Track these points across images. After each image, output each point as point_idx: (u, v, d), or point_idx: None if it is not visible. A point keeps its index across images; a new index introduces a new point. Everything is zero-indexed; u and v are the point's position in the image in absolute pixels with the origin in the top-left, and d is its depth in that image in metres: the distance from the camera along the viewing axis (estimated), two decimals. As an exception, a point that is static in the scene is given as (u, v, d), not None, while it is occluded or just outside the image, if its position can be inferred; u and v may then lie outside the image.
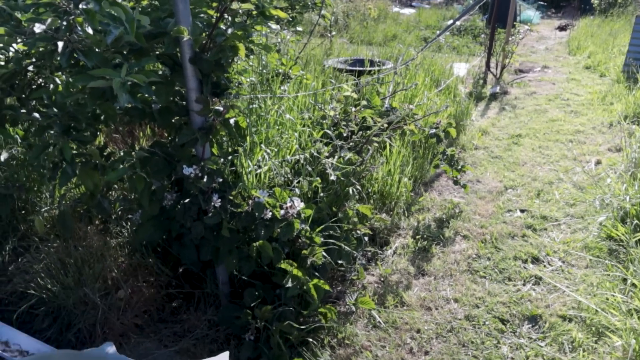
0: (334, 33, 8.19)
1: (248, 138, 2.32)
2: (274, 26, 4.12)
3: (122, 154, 2.46)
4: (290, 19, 3.97)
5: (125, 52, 1.89)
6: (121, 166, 2.32)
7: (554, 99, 6.63)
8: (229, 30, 1.95)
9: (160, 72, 2.21)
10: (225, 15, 2.14)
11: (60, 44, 1.60)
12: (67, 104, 2.03)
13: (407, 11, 16.31)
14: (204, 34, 1.96)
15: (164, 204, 2.29)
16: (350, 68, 4.27)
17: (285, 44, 4.19)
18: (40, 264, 2.79)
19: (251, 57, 3.09)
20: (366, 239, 2.88)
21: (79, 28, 1.64)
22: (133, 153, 2.40)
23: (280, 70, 3.03)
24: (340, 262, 2.66)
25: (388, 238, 3.26)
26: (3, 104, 2.27)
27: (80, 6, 1.57)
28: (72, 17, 1.61)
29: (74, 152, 2.51)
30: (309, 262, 2.17)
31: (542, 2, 17.41)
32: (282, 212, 2.10)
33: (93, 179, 2.56)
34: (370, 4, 12.39)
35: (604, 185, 3.90)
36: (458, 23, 11.90)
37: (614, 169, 4.18)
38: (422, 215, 3.53)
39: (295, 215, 2.11)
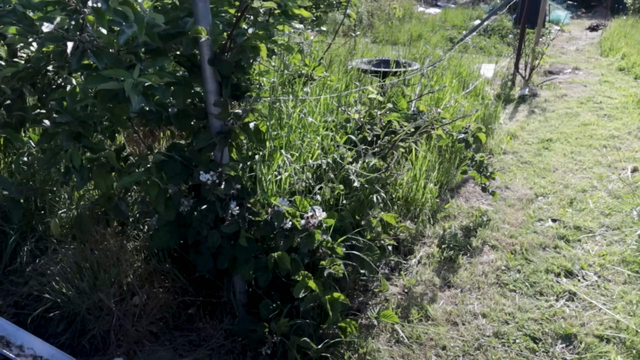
0: (358, 33, 8.05)
1: (267, 143, 2.22)
2: (297, 25, 4.02)
3: (138, 157, 2.39)
4: (314, 19, 3.87)
5: (140, 53, 1.80)
6: (137, 170, 2.26)
7: (585, 102, 6.39)
8: (250, 30, 1.85)
9: (178, 74, 2.12)
10: (247, 15, 2.05)
11: (70, 44, 1.52)
12: (77, 109, 1.96)
13: (433, 11, 16.07)
14: (224, 34, 1.87)
15: (181, 210, 2.21)
16: (375, 69, 4.15)
17: (309, 44, 4.09)
18: (57, 266, 2.74)
19: (273, 57, 3.00)
20: (390, 247, 2.76)
21: (90, 28, 1.56)
22: (150, 157, 2.33)
23: (303, 71, 2.92)
24: (362, 271, 2.55)
25: (412, 247, 3.13)
26: (19, 105, 2.22)
27: (89, 4, 1.48)
28: (82, 15, 1.53)
29: (89, 155, 2.46)
30: (325, 274, 2.06)
31: (571, 2, 16.98)
32: (302, 222, 1.99)
33: (107, 181, 2.50)
34: (395, 4, 12.21)
35: (641, 194, 3.71)
36: (485, 23, 11.66)
37: (652, 177, 3.98)
38: (448, 223, 3.39)
39: (317, 226, 2.00)
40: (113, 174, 2.46)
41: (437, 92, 4.41)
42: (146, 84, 1.74)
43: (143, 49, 1.97)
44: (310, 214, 1.99)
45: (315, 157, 2.55)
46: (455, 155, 4.02)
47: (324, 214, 2.02)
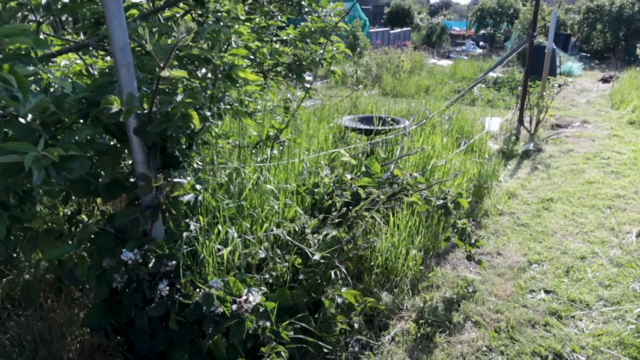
0: (360, 86, 8.02)
1: (201, 217, 2.05)
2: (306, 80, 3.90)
3: (82, 226, 2.25)
4: (295, 76, 3.76)
5: (50, 122, 1.68)
6: (70, 242, 2.11)
7: (592, 157, 6.14)
8: (179, 98, 1.72)
9: (112, 142, 1.99)
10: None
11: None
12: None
13: (445, 63, 16.18)
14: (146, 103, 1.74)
15: (114, 286, 2.03)
16: (359, 127, 4.00)
17: (295, 100, 3.99)
18: (6, 336, 2.58)
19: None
20: (356, 325, 2.52)
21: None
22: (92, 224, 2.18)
23: (270, 133, 2.79)
24: (325, 350, 2.32)
25: (388, 321, 2.87)
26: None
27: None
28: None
29: (35, 223, 2.33)
30: (264, 366, 1.83)
31: (585, 54, 16.94)
32: (234, 307, 1.79)
33: (57, 248, 2.34)
34: (404, 56, 12.27)
35: (645, 263, 3.41)
36: (494, 75, 11.61)
37: (658, 243, 3.69)
38: (430, 294, 3.13)
39: (251, 311, 1.79)
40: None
41: (428, 151, 4.24)
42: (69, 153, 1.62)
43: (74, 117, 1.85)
44: (244, 298, 1.78)
45: (270, 227, 2.37)
46: (445, 219, 3.79)
47: (259, 298, 1.81)
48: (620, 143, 6.76)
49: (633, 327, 2.78)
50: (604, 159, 6.08)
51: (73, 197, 2.76)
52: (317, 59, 3.94)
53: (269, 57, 3.51)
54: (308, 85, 3.97)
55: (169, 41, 1.75)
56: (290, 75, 4.05)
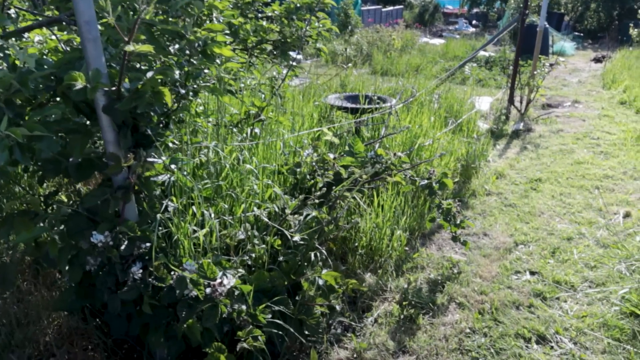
0: (350, 65, 7.90)
1: (174, 198, 1.99)
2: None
3: (55, 208, 2.18)
4: (279, 53, 3.67)
5: (16, 101, 1.60)
6: (41, 224, 2.04)
7: (582, 137, 6.12)
8: (149, 74, 1.64)
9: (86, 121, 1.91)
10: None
11: None
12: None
13: (437, 41, 15.99)
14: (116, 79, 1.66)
15: (88, 269, 1.98)
16: (345, 105, 3.93)
17: (279, 78, 3.91)
18: (-18, 320, 2.52)
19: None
20: (338, 307, 2.49)
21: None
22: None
23: (251, 112, 2.71)
24: (307, 332, 2.29)
25: (371, 303, 2.85)
26: None
27: None
28: None
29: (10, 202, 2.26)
30: (238, 348, 1.80)
31: (578, 33, 16.83)
32: (207, 290, 1.74)
33: (30, 230, 2.28)
34: (395, 35, 12.11)
35: (631, 244, 3.40)
36: (486, 54, 11.51)
37: (645, 224, 3.68)
38: (414, 276, 3.10)
39: (225, 295, 1.75)
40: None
41: (415, 130, 4.18)
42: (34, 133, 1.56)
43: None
44: (218, 281, 1.74)
45: (250, 208, 2.31)
46: (430, 199, 3.75)
47: (233, 281, 1.76)
48: (611, 123, 6.74)
49: (617, 308, 2.77)
50: (593, 139, 6.05)
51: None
52: (302, 35, 3.84)
53: (252, 34, 3.42)
54: (293, 63, 3.88)
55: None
56: (275, 52, 3.96)
